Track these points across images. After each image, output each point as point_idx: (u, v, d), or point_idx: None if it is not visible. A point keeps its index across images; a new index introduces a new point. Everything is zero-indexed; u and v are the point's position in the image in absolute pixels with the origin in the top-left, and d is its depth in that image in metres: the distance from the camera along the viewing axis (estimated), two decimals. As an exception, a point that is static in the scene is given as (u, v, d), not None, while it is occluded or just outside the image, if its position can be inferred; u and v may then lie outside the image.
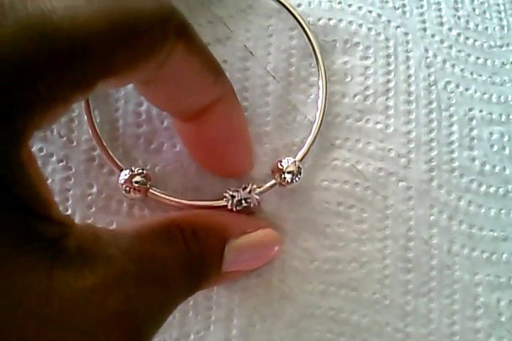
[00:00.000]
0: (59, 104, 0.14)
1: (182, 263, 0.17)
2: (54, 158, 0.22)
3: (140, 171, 0.20)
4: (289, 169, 0.21)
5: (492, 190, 0.23)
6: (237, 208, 0.20)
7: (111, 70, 0.14)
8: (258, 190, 0.21)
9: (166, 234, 0.17)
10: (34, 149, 0.22)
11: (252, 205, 0.20)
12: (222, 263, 0.18)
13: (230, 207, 0.20)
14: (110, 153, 0.21)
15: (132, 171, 0.20)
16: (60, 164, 0.22)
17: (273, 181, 0.21)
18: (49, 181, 0.22)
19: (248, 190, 0.20)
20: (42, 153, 0.22)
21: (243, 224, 0.20)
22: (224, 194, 0.20)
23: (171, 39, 0.16)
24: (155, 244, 0.16)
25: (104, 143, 0.21)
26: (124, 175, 0.20)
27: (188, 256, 0.17)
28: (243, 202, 0.20)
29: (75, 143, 0.22)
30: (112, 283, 0.14)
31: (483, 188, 0.23)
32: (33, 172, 0.14)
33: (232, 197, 0.20)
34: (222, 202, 0.20)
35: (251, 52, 0.23)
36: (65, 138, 0.22)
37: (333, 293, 0.22)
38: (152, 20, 0.15)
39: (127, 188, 0.20)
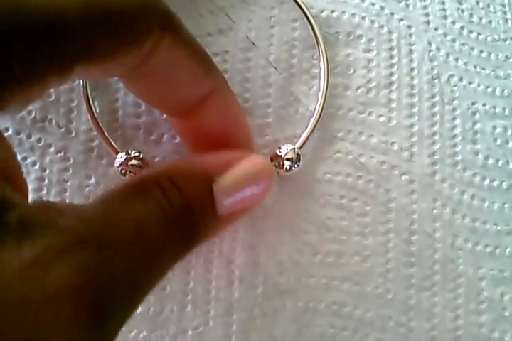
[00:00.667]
0: (33, 85, 0.13)
1: (164, 219, 0.15)
2: (52, 149, 0.22)
3: (136, 154, 0.20)
4: (287, 156, 0.21)
5: (495, 183, 0.23)
6: None
7: (89, 55, 0.14)
8: None
9: (139, 191, 0.15)
10: (32, 140, 0.22)
11: None
12: (216, 206, 0.16)
13: None
14: (106, 134, 0.21)
15: (128, 154, 0.20)
16: (59, 155, 0.22)
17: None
18: (47, 172, 0.21)
19: None
20: (40, 144, 0.22)
21: (224, 159, 0.17)
22: None
23: (155, 31, 0.15)
24: (125, 206, 0.14)
25: (101, 124, 0.21)
26: (120, 157, 0.20)
27: (171, 210, 0.15)
28: None
29: (73, 134, 0.22)
30: (59, 253, 0.12)
31: (486, 182, 0.23)
32: None
33: None
34: None
35: (253, 43, 0.23)
36: (63, 129, 0.22)
37: (335, 287, 0.22)
38: (134, 9, 0.15)
39: (123, 171, 0.20)
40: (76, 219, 0.13)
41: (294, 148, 0.21)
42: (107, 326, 0.13)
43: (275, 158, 0.21)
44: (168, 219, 0.15)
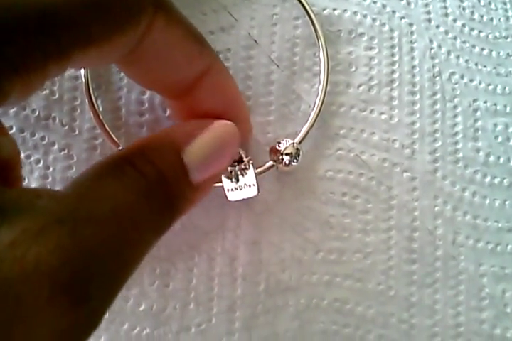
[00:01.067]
0: (33, 75, 0.13)
1: (140, 193, 0.15)
2: (56, 147, 0.22)
3: None
4: (287, 151, 0.21)
5: (497, 181, 0.23)
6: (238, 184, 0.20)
7: (86, 41, 0.14)
8: (257, 170, 0.21)
9: (112, 169, 0.15)
10: (36, 138, 0.22)
11: (246, 171, 0.20)
12: (190, 175, 0.16)
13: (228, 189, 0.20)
14: (107, 129, 0.21)
15: None
16: (62, 153, 0.22)
17: (270, 162, 0.21)
18: (50, 170, 0.21)
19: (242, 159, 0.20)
20: (44, 142, 0.22)
21: (189, 129, 0.17)
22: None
23: (148, 11, 0.15)
24: (100, 184, 0.14)
25: (104, 123, 0.21)
26: None
27: (146, 183, 0.15)
28: (239, 173, 0.20)
29: (77, 132, 0.22)
30: (36, 234, 0.12)
31: (487, 179, 0.23)
32: None
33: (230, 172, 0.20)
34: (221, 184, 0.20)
35: (255, 41, 0.23)
36: (67, 127, 0.22)
37: (337, 284, 0.22)
38: None
39: None
40: (52, 200, 0.13)
41: (294, 143, 0.21)
42: (89, 305, 0.13)
43: (274, 153, 0.21)
44: (144, 192, 0.15)
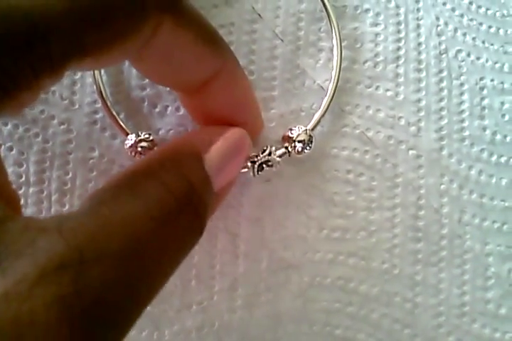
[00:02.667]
0: (24, 92, 0.12)
1: (169, 212, 0.13)
2: (55, 121, 0.21)
3: (146, 136, 0.20)
4: (299, 138, 0.20)
5: (503, 159, 0.23)
6: (259, 173, 0.20)
7: (80, 52, 0.13)
8: (269, 160, 0.20)
9: (133, 186, 0.13)
10: (35, 111, 0.21)
11: (274, 168, 0.20)
12: (212, 182, 0.16)
13: (251, 174, 0.20)
14: (117, 117, 0.20)
15: (138, 136, 0.20)
16: (62, 127, 0.21)
17: (283, 150, 0.20)
18: (49, 144, 0.21)
19: (268, 152, 0.20)
20: (43, 116, 0.21)
21: (206, 137, 0.17)
22: None
23: (152, 17, 0.14)
24: (117, 206, 0.13)
25: (111, 109, 0.21)
26: (130, 139, 0.20)
27: (175, 199, 0.14)
28: (264, 165, 0.20)
29: (77, 106, 0.21)
30: (33, 284, 0.11)
31: (494, 158, 0.23)
32: None
33: (253, 162, 0.20)
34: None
35: (259, 15, 0.22)
36: (67, 101, 0.21)
37: (341, 262, 0.21)
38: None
39: (133, 153, 0.20)
40: (58, 235, 0.11)
41: (306, 130, 0.20)
42: None
43: (286, 140, 0.20)
44: (172, 210, 0.13)
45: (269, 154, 0.20)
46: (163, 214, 0.13)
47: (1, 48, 0.12)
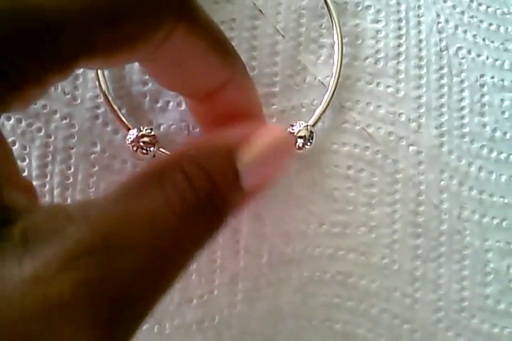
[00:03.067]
0: (31, 86, 0.13)
1: (187, 205, 0.13)
2: (57, 116, 0.21)
3: (148, 131, 0.20)
4: (300, 133, 0.20)
5: (503, 156, 0.23)
6: None
7: (91, 50, 0.13)
8: None
9: (158, 179, 0.14)
10: (37, 106, 0.21)
11: None
12: (241, 181, 0.15)
13: None
14: (119, 112, 0.21)
15: (140, 131, 0.20)
16: (64, 121, 0.21)
17: None
18: (51, 138, 0.21)
19: None
20: (45, 110, 0.21)
21: (243, 134, 0.16)
22: None
23: (166, 22, 0.15)
24: (141, 198, 0.13)
25: (113, 104, 0.21)
26: (132, 134, 0.20)
27: (196, 193, 0.14)
28: None
29: (79, 101, 0.22)
30: (59, 268, 0.11)
31: (493, 154, 0.23)
32: None
33: None
34: None
35: (260, 11, 0.22)
36: (69, 96, 0.22)
37: (341, 258, 0.21)
38: (143, 4, 0.14)
39: (134, 148, 0.20)
40: (84, 223, 0.12)
41: (307, 126, 0.21)
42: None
43: None
44: (193, 203, 0.14)
45: None
46: (185, 210, 0.13)
47: (14, 44, 0.12)
